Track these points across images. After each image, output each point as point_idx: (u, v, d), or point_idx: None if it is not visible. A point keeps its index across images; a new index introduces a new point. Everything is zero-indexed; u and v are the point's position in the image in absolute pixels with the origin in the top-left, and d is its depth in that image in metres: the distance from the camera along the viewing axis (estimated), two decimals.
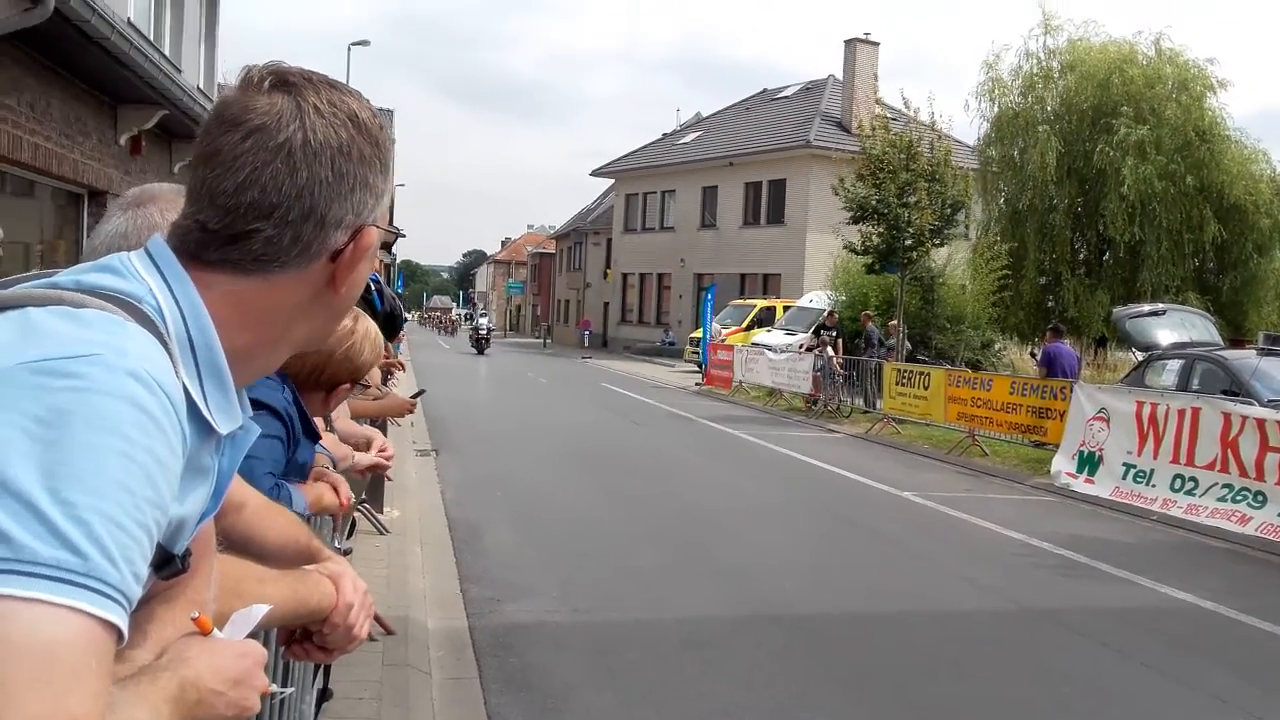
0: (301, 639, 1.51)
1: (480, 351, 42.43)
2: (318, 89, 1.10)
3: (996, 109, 30.20)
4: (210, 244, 1.07)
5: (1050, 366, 15.30)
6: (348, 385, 2.85)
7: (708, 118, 50.88)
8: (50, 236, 9.75)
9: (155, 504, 0.90)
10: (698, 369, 29.54)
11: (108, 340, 0.92)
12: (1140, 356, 14.71)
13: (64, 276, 1.02)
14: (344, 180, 1.09)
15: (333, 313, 1.19)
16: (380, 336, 2.93)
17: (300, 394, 2.64)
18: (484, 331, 44.10)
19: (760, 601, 7.11)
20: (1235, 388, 11.65)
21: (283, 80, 1.10)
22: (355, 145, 1.10)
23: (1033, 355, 16.30)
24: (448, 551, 8.06)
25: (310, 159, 1.07)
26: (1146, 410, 11.55)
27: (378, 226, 1.15)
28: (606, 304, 50.90)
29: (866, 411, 19.32)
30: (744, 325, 31.67)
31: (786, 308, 31.29)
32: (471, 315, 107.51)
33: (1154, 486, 11.14)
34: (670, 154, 46.50)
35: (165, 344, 0.98)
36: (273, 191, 1.06)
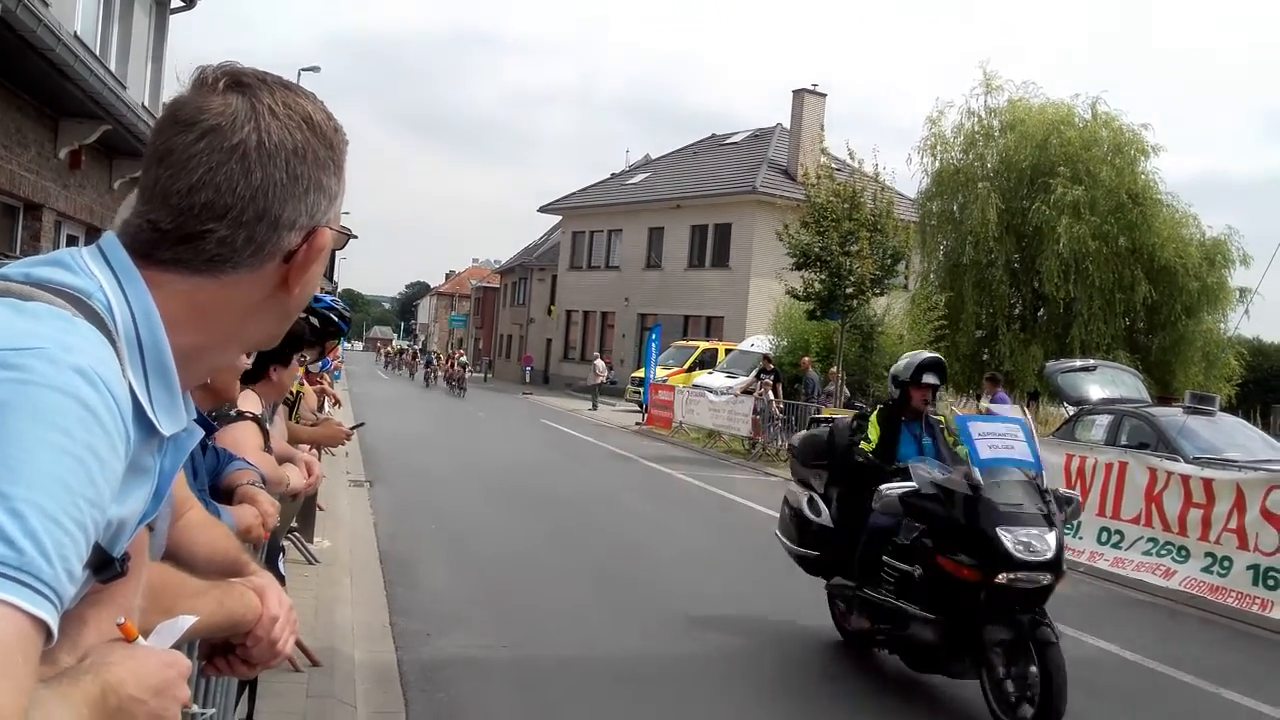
0: (224, 651, 1.48)
1: None
2: (272, 90, 1.10)
3: (938, 164, 30.92)
4: (162, 243, 1.06)
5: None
6: None
7: (656, 160, 51.27)
8: None
9: (94, 502, 0.89)
10: (639, 408, 29.57)
11: (54, 334, 0.91)
12: (1071, 411, 14.99)
13: (13, 268, 1.00)
14: (298, 182, 1.09)
15: (285, 313, 1.18)
16: None
17: None
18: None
19: (693, 641, 7.08)
20: (1161, 444, 11.93)
21: (237, 81, 1.10)
22: (310, 147, 1.10)
23: (984, 400, 16.33)
24: (378, 583, 7.94)
25: (265, 160, 1.07)
26: (1075, 463, 11.77)
27: (331, 228, 1.15)
28: (549, 340, 50.82)
29: None
30: (686, 366, 31.79)
31: (728, 350, 31.49)
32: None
33: (1081, 539, 11.32)
34: (618, 194, 46.75)
35: (113, 341, 0.97)
36: (227, 192, 1.05)
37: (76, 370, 0.89)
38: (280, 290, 1.14)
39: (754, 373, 23.46)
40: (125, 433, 0.94)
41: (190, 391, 2.72)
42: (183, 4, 15.03)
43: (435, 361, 51.08)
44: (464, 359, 42.41)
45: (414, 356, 61.26)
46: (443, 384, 44.24)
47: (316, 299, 3.54)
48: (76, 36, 9.73)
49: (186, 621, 1.22)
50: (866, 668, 6.79)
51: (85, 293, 0.99)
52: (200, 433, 1.17)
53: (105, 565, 1.00)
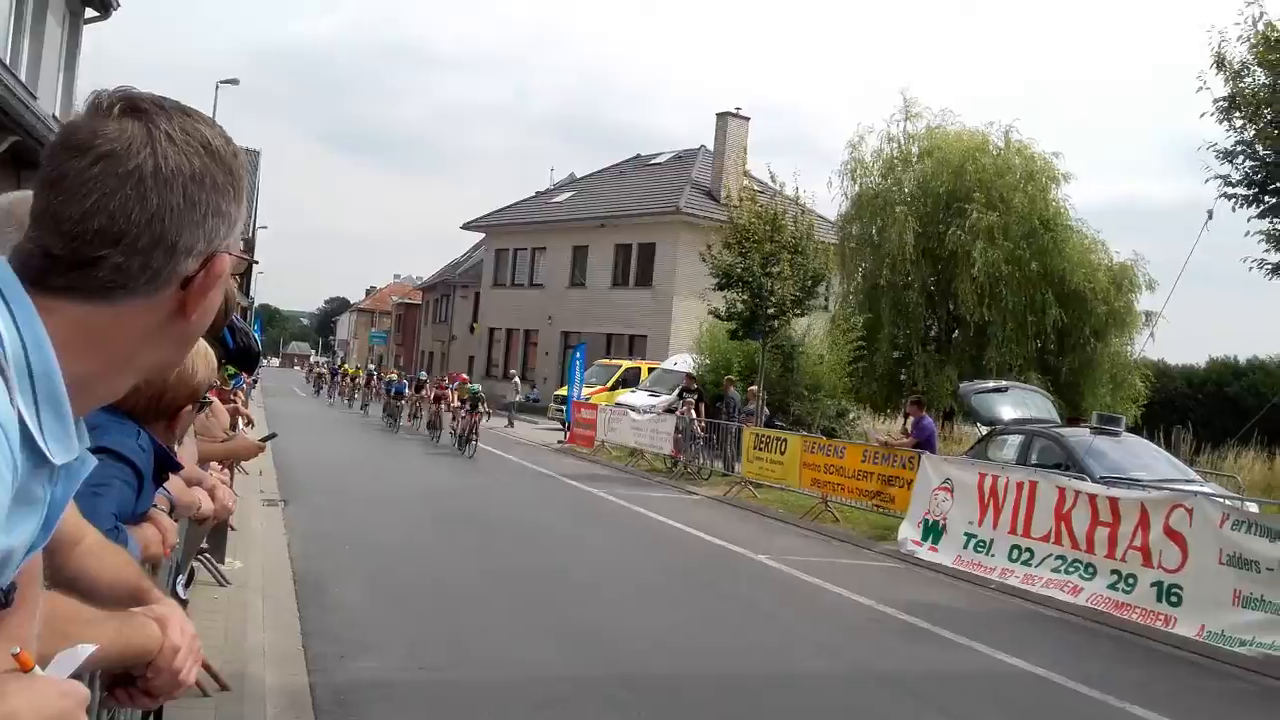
0: (125, 682, 1.46)
1: None
2: (169, 116, 1.10)
3: (858, 188, 31.49)
4: (55, 270, 1.05)
5: (929, 438, 14.97)
6: (189, 407, 2.76)
7: (582, 179, 51.36)
8: None
9: None
10: (561, 426, 29.50)
11: None
12: (984, 430, 15.34)
13: None
14: (196, 208, 1.09)
15: (183, 340, 1.17)
16: (211, 353, 2.85)
17: (144, 429, 2.55)
18: None
19: (612, 662, 7.08)
20: (1070, 463, 12.27)
21: (133, 106, 1.09)
22: (208, 172, 1.10)
23: (905, 431, 16.40)
24: (291, 605, 7.79)
25: (161, 186, 1.06)
26: (988, 482, 12.04)
27: (231, 254, 1.15)
28: (472, 358, 50.47)
29: (725, 474, 19.57)
30: (609, 385, 31.83)
31: (651, 369, 31.62)
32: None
33: (993, 556, 11.57)
34: (543, 212, 46.73)
35: (2, 370, 0.96)
36: (121, 219, 1.05)
37: None
38: (178, 316, 1.12)
39: (677, 391, 23.59)
40: (13, 463, 0.93)
41: (154, 427, 2.64)
42: (97, 14, 14.71)
43: (406, 392, 31.36)
44: (474, 387, 24.33)
45: (369, 380, 41.32)
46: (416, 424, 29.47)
47: (231, 330, 3.47)
48: None
49: (85, 650, 1.20)
50: (787, 688, 6.85)
51: None
52: (93, 461, 1.15)
53: None
